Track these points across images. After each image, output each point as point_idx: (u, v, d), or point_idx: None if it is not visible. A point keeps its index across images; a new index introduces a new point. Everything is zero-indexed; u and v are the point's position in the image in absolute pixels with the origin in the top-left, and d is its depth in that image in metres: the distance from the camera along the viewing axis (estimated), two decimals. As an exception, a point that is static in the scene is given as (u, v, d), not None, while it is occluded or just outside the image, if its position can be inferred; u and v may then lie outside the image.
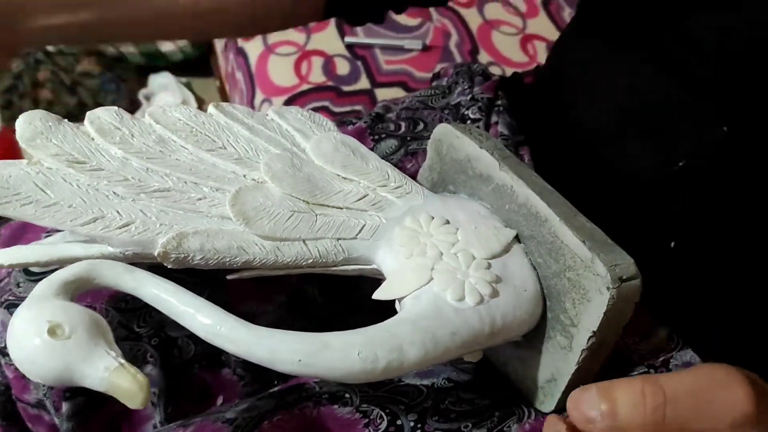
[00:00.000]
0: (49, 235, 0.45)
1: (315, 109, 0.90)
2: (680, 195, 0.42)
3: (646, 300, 0.35)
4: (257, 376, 0.49)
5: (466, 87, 0.58)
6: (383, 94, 0.92)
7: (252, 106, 0.96)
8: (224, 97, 1.36)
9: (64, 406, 0.45)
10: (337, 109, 0.91)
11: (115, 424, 0.47)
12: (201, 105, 1.41)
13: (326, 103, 0.92)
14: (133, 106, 1.35)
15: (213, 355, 0.48)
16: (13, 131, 0.36)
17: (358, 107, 0.92)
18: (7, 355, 0.46)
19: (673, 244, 0.42)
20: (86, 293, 0.39)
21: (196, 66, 1.36)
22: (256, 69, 0.96)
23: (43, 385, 0.45)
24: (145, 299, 0.33)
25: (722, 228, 0.40)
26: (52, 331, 0.28)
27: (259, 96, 0.96)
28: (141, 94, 1.34)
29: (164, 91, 1.37)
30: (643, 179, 0.44)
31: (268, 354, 0.30)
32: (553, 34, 0.98)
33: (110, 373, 0.28)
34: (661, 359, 0.41)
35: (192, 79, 1.41)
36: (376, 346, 0.31)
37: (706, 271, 0.41)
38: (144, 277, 0.32)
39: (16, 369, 0.47)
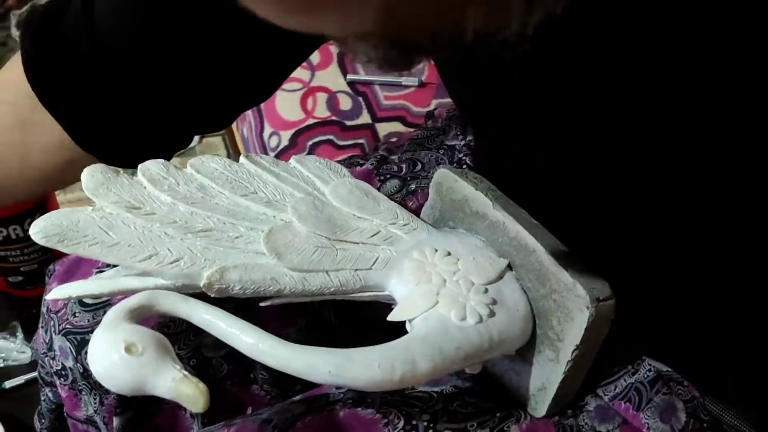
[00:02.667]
0: (100, 270, 0.51)
1: (320, 142, 0.97)
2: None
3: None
4: (281, 391, 0.55)
5: (458, 132, 0.65)
6: (383, 128, 0.98)
7: (261, 139, 1.03)
8: (229, 129, 1.42)
9: (115, 421, 0.50)
10: (341, 143, 0.98)
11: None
12: (203, 136, 1.47)
13: (331, 137, 0.98)
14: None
15: (243, 373, 0.54)
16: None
17: (360, 140, 0.98)
18: (63, 376, 0.53)
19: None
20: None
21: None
22: (265, 104, 1.02)
23: (94, 402, 0.51)
24: (197, 323, 0.39)
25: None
26: (128, 349, 0.34)
27: (267, 129, 1.02)
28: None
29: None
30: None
31: (304, 367, 0.36)
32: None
33: (176, 382, 0.34)
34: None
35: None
36: (393, 359, 0.37)
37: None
38: (196, 304, 0.38)
39: (71, 388, 0.53)
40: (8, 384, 0.87)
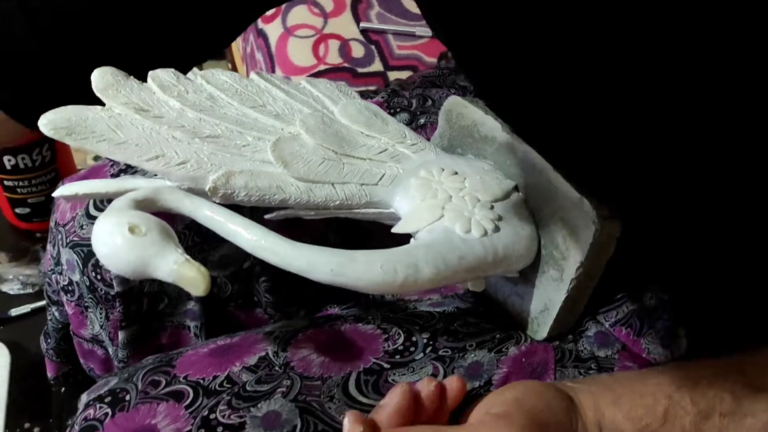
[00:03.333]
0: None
1: (331, 90, 0.97)
2: None
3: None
4: (284, 315, 0.55)
5: None
6: (395, 77, 0.97)
7: (271, 86, 1.02)
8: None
9: (120, 335, 0.51)
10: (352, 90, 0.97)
11: (162, 353, 0.53)
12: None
13: (342, 83, 0.98)
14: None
15: (247, 296, 0.54)
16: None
17: (371, 88, 0.97)
18: (69, 292, 0.53)
19: None
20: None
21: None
22: (276, 49, 1.02)
23: (101, 317, 0.51)
24: (200, 221, 0.38)
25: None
26: (131, 230, 0.34)
27: (278, 74, 1.02)
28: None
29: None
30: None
31: (306, 264, 0.36)
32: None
33: (178, 265, 0.34)
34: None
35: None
36: (395, 262, 0.37)
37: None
38: (200, 201, 0.38)
39: (77, 305, 0.53)
40: (14, 312, 0.88)
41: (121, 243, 0.34)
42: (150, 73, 0.44)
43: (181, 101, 0.43)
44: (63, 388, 0.79)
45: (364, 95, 0.63)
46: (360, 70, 0.98)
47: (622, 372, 0.43)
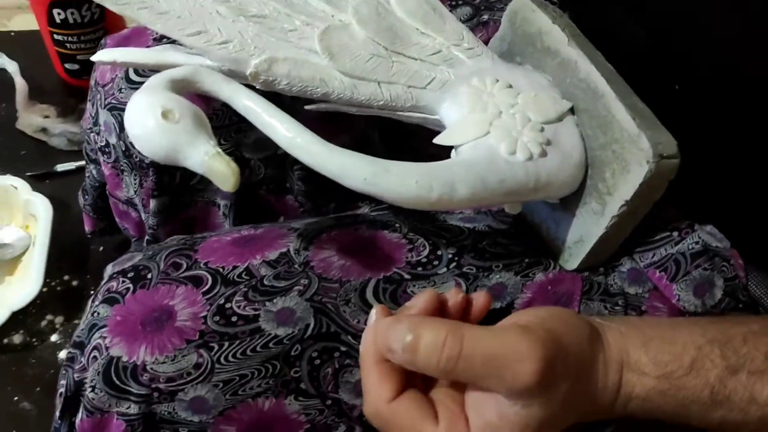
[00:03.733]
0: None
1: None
2: None
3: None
4: (314, 206, 0.55)
5: None
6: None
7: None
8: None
9: (152, 203, 0.51)
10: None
11: (191, 226, 0.54)
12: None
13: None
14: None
15: (279, 181, 0.53)
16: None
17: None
18: (106, 153, 0.53)
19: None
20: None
21: None
22: None
23: (135, 183, 0.51)
24: (237, 108, 0.37)
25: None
26: (164, 115, 0.33)
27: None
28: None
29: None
30: None
31: (339, 169, 0.35)
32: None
33: (209, 157, 0.33)
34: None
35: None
36: (432, 178, 0.35)
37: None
38: (239, 88, 0.37)
39: (113, 167, 0.53)
40: (60, 167, 0.90)
41: (153, 127, 0.33)
42: None
43: (228, -27, 0.41)
44: (101, 248, 0.82)
45: (425, -16, 0.59)
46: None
47: (655, 317, 0.42)
